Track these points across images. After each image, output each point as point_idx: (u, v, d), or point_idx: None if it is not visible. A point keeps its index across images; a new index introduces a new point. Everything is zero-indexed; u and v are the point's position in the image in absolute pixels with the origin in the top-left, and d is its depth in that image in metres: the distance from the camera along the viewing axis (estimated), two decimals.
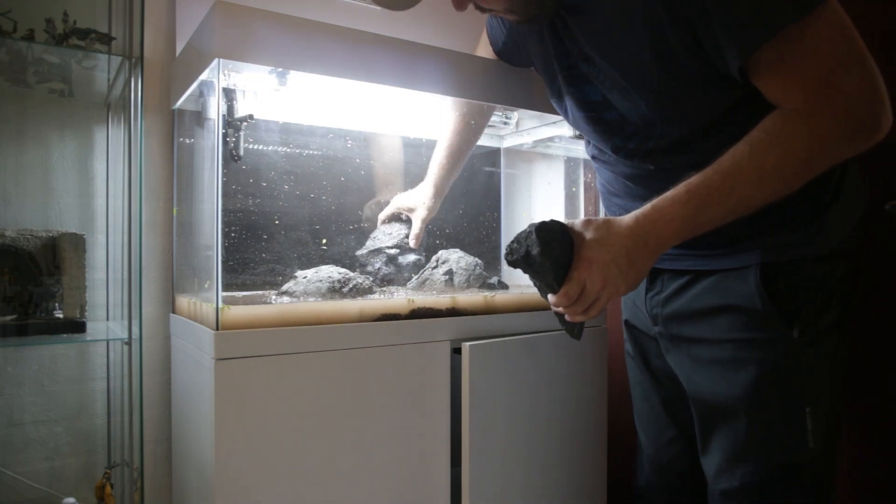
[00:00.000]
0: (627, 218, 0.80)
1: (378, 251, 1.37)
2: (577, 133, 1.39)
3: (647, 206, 0.79)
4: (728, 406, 0.89)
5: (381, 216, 1.40)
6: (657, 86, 0.80)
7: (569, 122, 1.02)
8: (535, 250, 0.80)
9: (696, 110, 0.82)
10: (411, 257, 1.36)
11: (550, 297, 0.86)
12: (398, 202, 1.38)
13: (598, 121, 0.93)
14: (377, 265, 1.36)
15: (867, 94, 0.70)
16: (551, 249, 0.80)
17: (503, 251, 1.68)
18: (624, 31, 0.79)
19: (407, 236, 1.37)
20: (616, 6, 0.79)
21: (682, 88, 0.80)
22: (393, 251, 1.37)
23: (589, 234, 0.80)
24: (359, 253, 1.40)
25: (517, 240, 0.85)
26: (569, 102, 0.97)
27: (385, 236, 1.38)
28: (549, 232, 0.81)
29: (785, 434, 0.86)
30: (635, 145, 0.89)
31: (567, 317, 0.87)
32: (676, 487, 1.07)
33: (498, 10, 0.85)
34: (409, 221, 1.40)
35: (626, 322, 1.13)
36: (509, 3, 0.84)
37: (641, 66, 0.80)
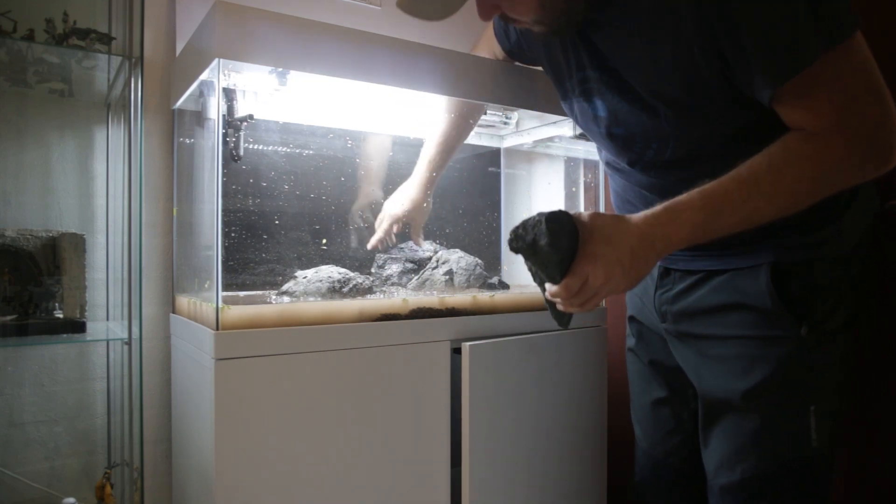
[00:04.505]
0: (637, 217, 0.80)
1: (397, 259, 1.38)
2: (578, 133, 1.39)
3: (660, 208, 0.79)
4: (733, 401, 0.90)
5: (379, 229, 1.38)
6: (679, 100, 0.82)
7: (580, 127, 1.03)
8: (542, 240, 0.79)
9: (714, 126, 0.84)
10: (426, 274, 1.36)
11: (548, 286, 0.85)
12: (393, 213, 1.35)
13: (612, 136, 0.93)
14: (390, 272, 1.37)
15: (883, 124, 0.73)
16: (559, 241, 0.79)
17: (503, 251, 1.68)
18: (651, 48, 0.80)
19: (429, 258, 1.38)
20: (646, 23, 0.80)
21: (703, 105, 0.81)
22: (411, 265, 1.37)
23: (596, 229, 0.80)
24: (379, 254, 1.40)
25: (524, 226, 0.83)
26: (582, 114, 0.98)
27: (411, 251, 1.39)
28: (558, 223, 0.80)
29: (789, 431, 0.87)
30: (651, 157, 0.91)
31: (559, 306, 0.86)
32: (671, 482, 1.08)
33: (525, 22, 0.85)
34: (438, 244, 1.42)
35: (631, 318, 1.14)
36: (537, 16, 0.83)
37: (665, 80, 0.81)
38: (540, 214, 0.81)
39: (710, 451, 0.95)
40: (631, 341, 1.15)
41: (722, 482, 0.92)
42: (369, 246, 1.37)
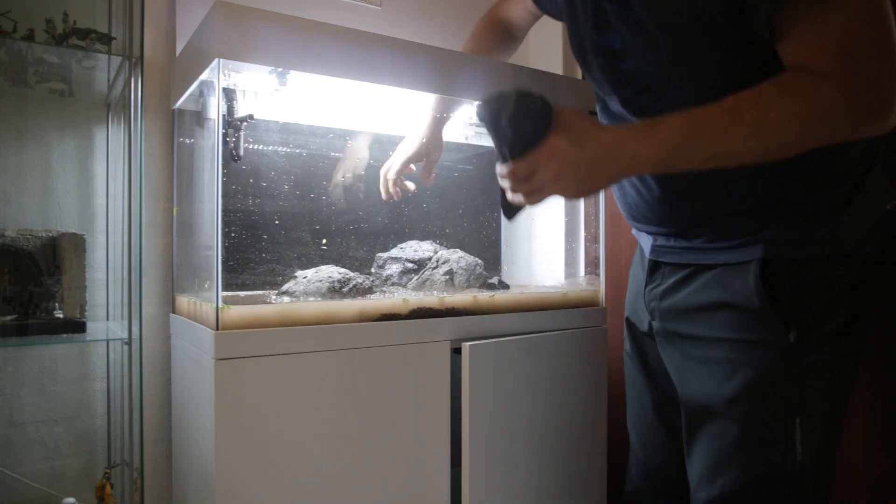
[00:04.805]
0: (614, 128, 0.77)
1: (398, 259, 1.38)
2: None
3: (640, 124, 0.76)
4: (715, 409, 0.85)
5: (389, 174, 1.33)
6: (683, 29, 0.77)
7: (585, 72, 0.98)
8: (504, 114, 0.77)
9: (711, 74, 0.79)
10: (426, 274, 1.36)
11: (499, 165, 0.82)
12: (406, 153, 1.31)
13: (615, 70, 0.89)
14: (390, 272, 1.37)
15: (885, 77, 0.68)
16: (521, 121, 0.77)
17: (503, 251, 1.68)
18: None
19: (430, 258, 1.38)
20: None
21: (706, 44, 0.77)
22: (412, 265, 1.37)
23: (569, 127, 0.77)
24: (379, 254, 1.40)
25: (496, 97, 0.80)
26: (589, 48, 0.93)
27: (412, 251, 1.39)
28: (528, 103, 0.77)
29: (772, 443, 0.82)
30: (645, 102, 0.86)
31: (508, 195, 0.83)
32: (665, 494, 1.03)
33: None
34: (438, 244, 1.41)
35: (627, 320, 1.10)
36: None
37: (672, 10, 0.77)
38: (515, 90, 0.79)
39: (692, 462, 0.90)
40: (627, 344, 1.10)
41: (702, 496, 0.86)
42: (384, 197, 1.32)
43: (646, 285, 0.99)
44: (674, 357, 0.94)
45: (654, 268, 0.97)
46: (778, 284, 0.81)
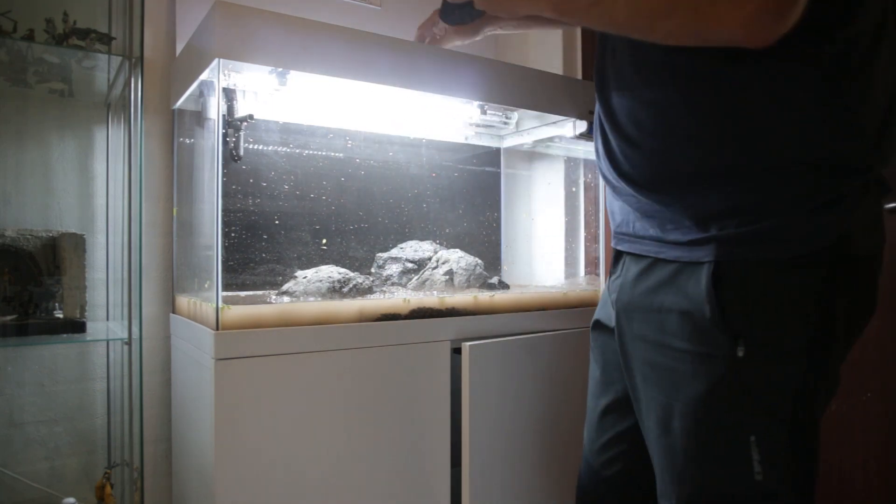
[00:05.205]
0: None
1: (398, 259, 1.38)
2: (578, 133, 1.39)
3: None
4: (668, 419, 0.80)
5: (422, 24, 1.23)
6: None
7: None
8: None
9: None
10: (426, 274, 1.36)
11: None
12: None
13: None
14: (390, 272, 1.37)
15: None
16: None
17: (503, 251, 1.68)
18: None
19: (430, 258, 1.37)
20: None
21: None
22: (412, 265, 1.37)
23: None
24: (379, 254, 1.40)
25: None
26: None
27: (412, 251, 1.39)
28: None
29: (725, 462, 0.76)
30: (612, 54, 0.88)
31: None
32: (603, 495, 0.99)
33: None
34: (438, 244, 1.40)
35: (596, 322, 1.03)
36: None
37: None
38: None
39: (655, 471, 0.85)
40: (592, 345, 1.04)
41: None
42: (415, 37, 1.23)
43: (609, 275, 0.95)
44: (629, 357, 0.88)
45: (617, 258, 0.93)
46: (728, 293, 0.74)
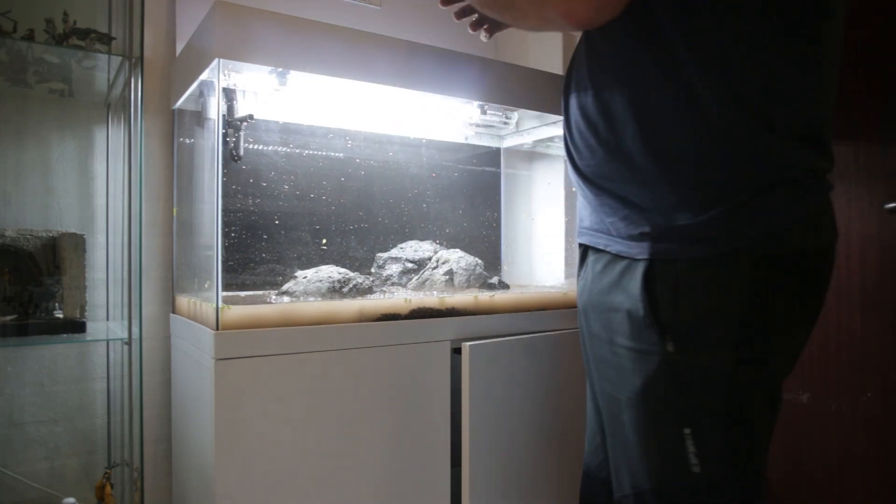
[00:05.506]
0: None
1: (398, 259, 1.38)
2: None
3: None
4: (616, 413, 0.84)
5: None
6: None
7: None
8: None
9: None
10: (426, 274, 1.36)
11: None
12: None
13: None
14: (390, 272, 1.36)
15: None
16: None
17: (503, 251, 1.68)
18: None
19: (430, 258, 1.37)
20: None
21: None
22: (412, 265, 1.37)
23: None
24: (379, 254, 1.40)
25: None
26: None
27: (412, 251, 1.39)
28: None
29: (664, 455, 0.78)
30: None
31: None
32: (599, 495, 1.00)
33: None
34: (438, 244, 1.40)
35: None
36: None
37: None
38: None
39: (611, 467, 0.88)
40: (581, 347, 1.05)
41: (616, 496, 0.85)
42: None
43: (578, 274, 0.96)
44: (588, 355, 0.93)
45: (583, 255, 0.94)
46: (660, 290, 0.77)
